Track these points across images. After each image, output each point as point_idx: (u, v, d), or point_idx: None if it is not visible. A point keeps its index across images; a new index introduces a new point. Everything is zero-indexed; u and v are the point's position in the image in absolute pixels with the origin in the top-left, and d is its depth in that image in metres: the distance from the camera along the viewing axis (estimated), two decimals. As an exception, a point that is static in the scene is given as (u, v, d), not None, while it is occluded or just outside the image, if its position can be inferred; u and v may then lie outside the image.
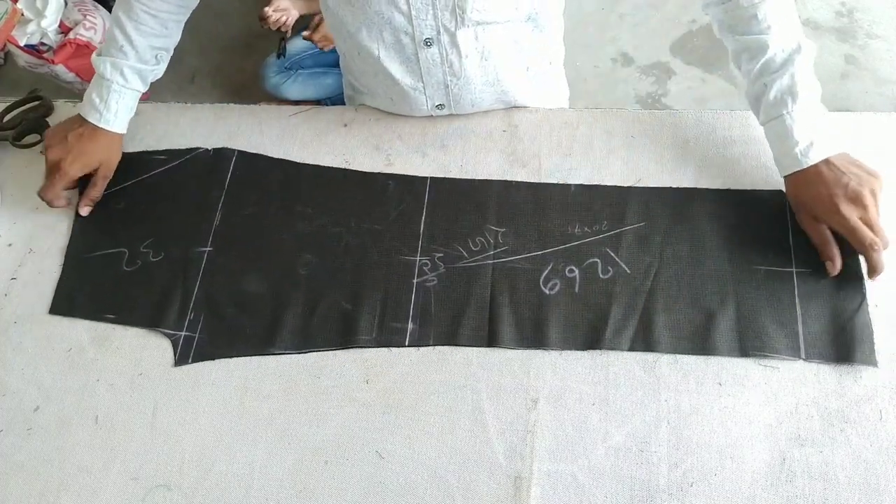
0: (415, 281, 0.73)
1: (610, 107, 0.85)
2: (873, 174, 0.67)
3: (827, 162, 0.67)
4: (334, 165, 0.83)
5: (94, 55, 0.82)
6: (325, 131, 0.86)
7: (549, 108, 0.85)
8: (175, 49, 0.87)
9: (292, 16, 1.72)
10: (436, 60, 0.77)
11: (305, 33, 1.76)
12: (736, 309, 0.68)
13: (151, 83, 0.86)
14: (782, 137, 0.69)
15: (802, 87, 0.68)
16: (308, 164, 0.83)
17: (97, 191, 0.81)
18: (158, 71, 0.85)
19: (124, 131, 0.83)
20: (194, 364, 0.71)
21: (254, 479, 0.65)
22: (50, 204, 0.80)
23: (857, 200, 0.65)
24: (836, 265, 0.67)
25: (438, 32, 0.74)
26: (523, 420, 0.65)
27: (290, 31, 1.73)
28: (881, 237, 0.65)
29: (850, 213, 0.65)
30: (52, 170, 0.80)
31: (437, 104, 0.82)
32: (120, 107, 0.81)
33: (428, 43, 0.75)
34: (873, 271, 0.66)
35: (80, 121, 0.81)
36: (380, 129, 0.86)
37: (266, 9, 1.67)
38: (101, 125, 0.81)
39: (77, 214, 0.82)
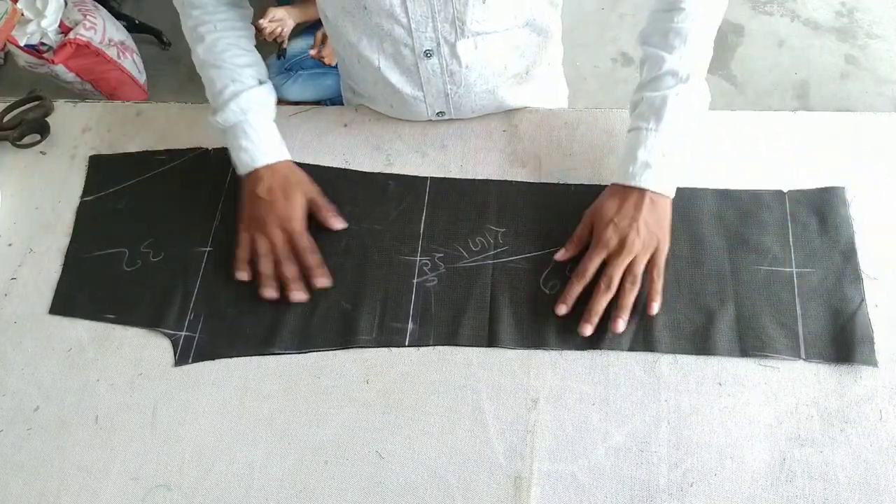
0: (415, 281, 0.73)
1: (610, 107, 0.85)
2: (659, 241, 0.67)
3: (641, 194, 0.67)
4: (334, 165, 0.83)
5: (210, 118, 0.77)
6: (325, 131, 0.86)
7: (549, 108, 0.85)
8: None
9: (288, 26, 1.71)
10: (436, 71, 0.77)
11: (312, 52, 1.77)
12: (736, 309, 0.68)
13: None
14: (628, 149, 0.69)
15: (669, 116, 0.67)
16: (308, 164, 0.83)
17: (323, 204, 0.76)
18: (273, 94, 0.80)
19: (290, 156, 0.77)
20: (194, 364, 0.71)
21: (254, 479, 0.65)
22: (313, 275, 0.72)
23: (623, 243, 0.66)
24: (562, 256, 0.71)
25: (438, 44, 0.74)
26: (523, 420, 0.65)
27: (286, 42, 1.72)
28: (603, 282, 0.66)
29: (607, 243, 0.67)
30: (292, 246, 0.73)
31: (437, 111, 0.83)
32: (273, 133, 0.76)
33: (428, 54, 0.75)
34: (561, 303, 0.68)
35: (253, 182, 0.74)
36: (380, 129, 0.86)
37: (261, 21, 1.67)
38: (269, 162, 0.74)
39: (77, 214, 0.82)
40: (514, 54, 0.79)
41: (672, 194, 0.68)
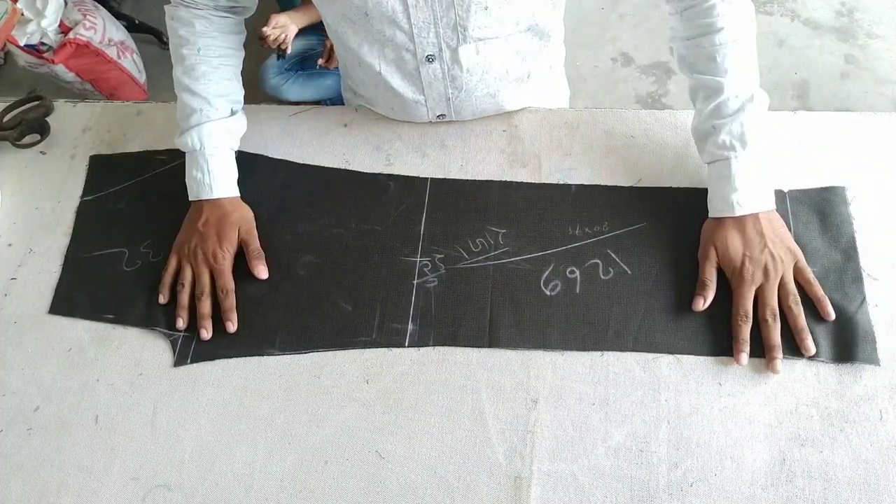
0: (415, 282, 0.73)
1: (610, 107, 0.85)
2: (793, 252, 0.68)
3: (755, 217, 0.68)
4: (334, 165, 0.83)
5: (175, 139, 0.78)
6: (325, 131, 0.86)
7: (549, 108, 0.85)
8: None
9: (291, 31, 1.71)
10: (437, 75, 0.77)
11: (321, 61, 1.77)
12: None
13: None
14: (723, 180, 0.69)
15: (751, 137, 0.68)
16: (308, 165, 0.83)
17: (254, 248, 0.75)
18: (242, 125, 0.81)
19: (236, 194, 0.78)
20: (194, 364, 0.71)
21: (254, 479, 0.65)
22: (228, 297, 0.73)
23: (766, 272, 0.66)
24: (703, 305, 0.68)
25: (440, 49, 0.74)
26: (523, 420, 0.65)
27: (289, 48, 1.72)
28: (766, 315, 0.65)
29: (753, 277, 0.66)
30: (213, 271, 0.74)
31: (438, 114, 0.83)
32: (225, 170, 0.77)
33: (430, 59, 0.75)
34: (734, 340, 0.66)
35: (195, 211, 0.77)
36: (380, 129, 0.86)
37: (264, 28, 1.67)
38: (213, 197, 0.76)
39: (77, 214, 0.82)
40: (516, 59, 0.79)
41: (774, 206, 0.69)
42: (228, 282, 0.74)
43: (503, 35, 0.74)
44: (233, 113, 0.79)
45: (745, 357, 0.65)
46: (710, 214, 0.71)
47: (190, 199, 0.77)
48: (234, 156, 0.79)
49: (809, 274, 0.67)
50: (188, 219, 0.77)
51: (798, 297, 0.66)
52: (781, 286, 0.67)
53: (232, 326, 0.72)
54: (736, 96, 0.68)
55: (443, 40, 0.73)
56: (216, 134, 0.77)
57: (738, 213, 0.68)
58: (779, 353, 0.65)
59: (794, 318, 0.66)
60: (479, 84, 0.78)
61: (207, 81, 0.77)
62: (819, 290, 0.67)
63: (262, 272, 0.75)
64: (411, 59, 0.75)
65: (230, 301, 0.73)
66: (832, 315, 0.66)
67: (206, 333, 0.72)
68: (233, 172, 0.78)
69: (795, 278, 0.67)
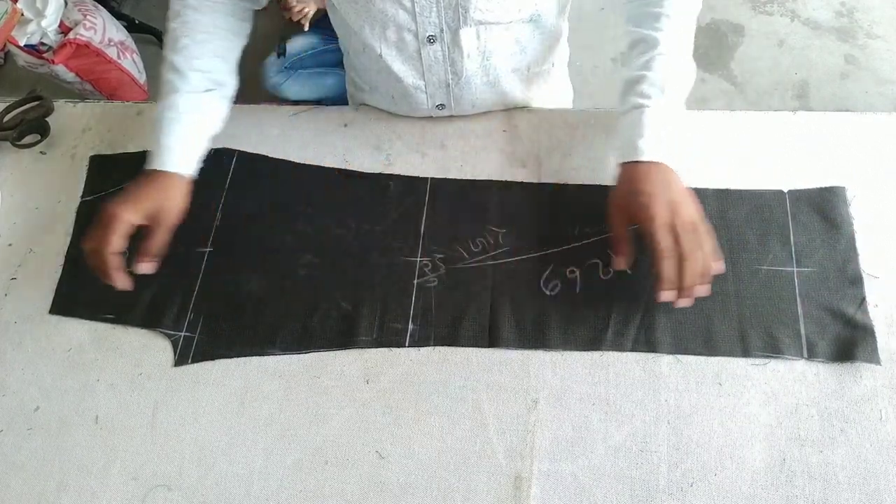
0: (415, 282, 0.73)
1: (610, 107, 0.85)
2: (692, 196, 0.65)
3: (657, 165, 0.66)
4: (334, 165, 0.83)
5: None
6: (325, 131, 0.86)
7: (548, 109, 0.85)
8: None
9: (311, 9, 1.75)
10: (438, 58, 0.77)
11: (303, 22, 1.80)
12: (737, 309, 0.68)
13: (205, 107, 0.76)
14: (634, 126, 0.67)
15: (670, 87, 0.67)
16: (308, 164, 0.83)
17: (154, 243, 0.70)
18: (217, 106, 0.77)
19: (185, 172, 0.72)
20: (194, 364, 0.71)
21: (254, 479, 0.65)
22: (103, 259, 0.68)
23: (674, 206, 0.63)
24: (626, 263, 0.67)
25: (441, 30, 0.74)
26: (523, 420, 0.65)
27: (307, 25, 1.76)
28: (694, 255, 0.62)
29: (663, 213, 0.63)
30: (105, 218, 0.68)
31: (437, 104, 0.82)
32: (174, 143, 0.72)
33: (431, 40, 0.75)
34: (658, 280, 0.63)
35: (142, 175, 0.72)
36: (380, 129, 0.85)
37: None
38: (154, 167, 0.71)
39: (78, 214, 0.82)
40: (517, 49, 0.79)
41: (675, 159, 0.67)
42: (107, 245, 0.67)
43: (504, 21, 0.74)
44: (207, 90, 0.75)
45: (670, 295, 0.63)
46: (619, 160, 0.69)
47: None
48: (196, 134, 0.74)
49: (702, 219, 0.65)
50: (136, 179, 0.72)
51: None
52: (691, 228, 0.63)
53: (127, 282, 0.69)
54: (668, 52, 0.69)
55: (444, 20, 0.73)
56: (179, 105, 0.73)
57: (644, 157, 0.66)
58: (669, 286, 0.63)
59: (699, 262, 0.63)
60: (479, 71, 0.78)
61: (187, 54, 0.74)
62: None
63: (139, 267, 0.70)
64: (412, 40, 0.75)
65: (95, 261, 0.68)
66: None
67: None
68: (186, 149, 0.73)
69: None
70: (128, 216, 0.68)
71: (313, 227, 0.78)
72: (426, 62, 0.77)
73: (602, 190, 0.77)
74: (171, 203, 0.71)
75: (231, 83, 0.79)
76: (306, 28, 1.77)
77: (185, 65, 0.74)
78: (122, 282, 0.69)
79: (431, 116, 0.85)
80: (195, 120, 0.74)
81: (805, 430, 0.63)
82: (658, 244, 0.63)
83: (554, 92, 0.93)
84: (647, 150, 0.66)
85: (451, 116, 0.85)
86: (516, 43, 0.78)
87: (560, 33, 0.84)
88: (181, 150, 0.72)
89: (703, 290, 0.63)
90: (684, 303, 0.64)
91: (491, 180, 0.79)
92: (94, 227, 0.69)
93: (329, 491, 0.64)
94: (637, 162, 0.67)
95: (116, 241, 0.68)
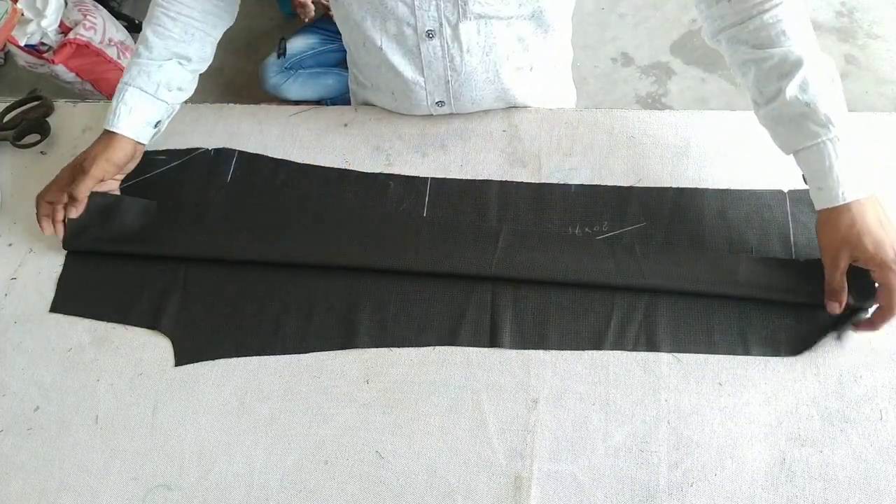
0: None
1: (610, 107, 0.85)
2: None
3: (862, 203, 0.61)
4: (334, 165, 0.83)
5: None
6: (325, 131, 0.86)
7: (548, 108, 0.85)
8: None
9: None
10: (437, 54, 0.77)
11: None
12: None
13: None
14: (823, 166, 0.62)
15: (835, 107, 0.62)
16: (308, 165, 0.83)
17: (78, 188, 0.75)
18: (177, 77, 0.80)
19: (128, 134, 0.77)
20: (194, 364, 0.71)
21: (254, 479, 0.65)
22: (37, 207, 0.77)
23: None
24: (839, 309, 0.64)
25: (441, 24, 0.74)
26: (523, 420, 0.65)
27: (312, 13, 1.83)
28: None
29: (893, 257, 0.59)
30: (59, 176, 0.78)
31: (437, 101, 0.82)
32: (120, 106, 0.77)
33: (430, 35, 0.75)
34: (872, 321, 0.63)
35: (99, 138, 0.79)
36: (380, 129, 0.85)
37: None
38: (109, 129, 0.77)
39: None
40: (518, 46, 0.79)
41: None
42: (51, 194, 0.76)
43: (504, 16, 0.74)
44: (167, 60, 0.79)
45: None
46: (818, 206, 0.64)
47: None
48: (145, 99, 0.78)
49: None
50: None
51: None
52: None
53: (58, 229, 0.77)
54: (816, 64, 0.62)
55: (443, 14, 0.73)
56: (132, 72, 0.78)
57: (839, 203, 0.61)
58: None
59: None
60: (479, 67, 0.78)
61: (157, 27, 0.78)
62: None
63: (70, 211, 0.77)
64: (412, 34, 0.75)
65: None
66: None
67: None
68: (131, 113, 0.77)
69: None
70: (64, 172, 0.77)
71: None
72: (425, 58, 0.77)
73: (602, 190, 0.77)
74: (106, 156, 0.76)
75: (199, 59, 0.82)
76: (331, 13, 1.82)
77: (153, 36, 0.78)
78: (47, 229, 0.77)
79: (431, 115, 0.85)
80: (144, 86, 0.78)
81: (805, 430, 0.63)
82: (891, 304, 0.60)
83: (556, 92, 0.93)
84: (851, 190, 0.61)
85: (452, 115, 0.85)
86: (518, 41, 0.78)
87: (563, 32, 0.84)
88: (126, 114, 0.77)
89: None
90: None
91: (491, 180, 0.79)
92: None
93: (329, 491, 0.64)
94: (837, 207, 0.62)
95: (49, 192, 0.77)
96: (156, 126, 0.80)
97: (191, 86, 0.83)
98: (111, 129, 0.77)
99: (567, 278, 0.70)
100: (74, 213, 0.77)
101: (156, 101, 0.79)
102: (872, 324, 0.63)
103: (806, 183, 0.65)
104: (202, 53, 0.82)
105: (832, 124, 0.61)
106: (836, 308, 0.64)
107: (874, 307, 0.64)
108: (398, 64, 0.79)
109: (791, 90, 0.63)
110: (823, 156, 0.62)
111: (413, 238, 0.75)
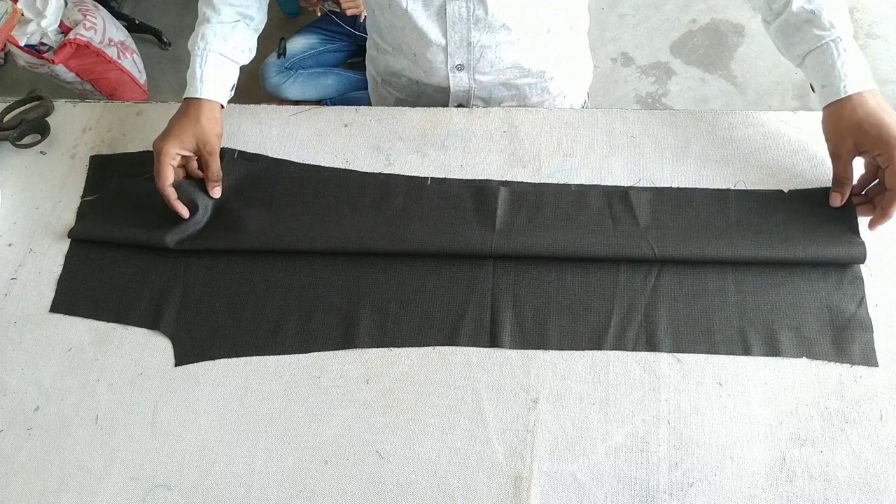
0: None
1: (610, 107, 0.85)
2: None
3: (871, 92, 0.67)
4: (334, 165, 0.83)
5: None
6: (325, 131, 0.86)
7: (549, 109, 0.86)
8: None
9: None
10: (462, 15, 0.79)
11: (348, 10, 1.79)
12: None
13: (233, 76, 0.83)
14: (831, 61, 0.68)
15: (839, 15, 0.69)
16: (308, 164, 0.83)
17: (212, 171, 0.78)
18: (248, 38, 0.83)
19: (216, 99, 0.79)
20: (194, 364, 0.71)
21: (254, 479, 0.65)
22: (163, 192, 0.75)
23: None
24: (840, 201, 0.69)
25: None
26: (523, 420, 0.65)
27: (362, 16, 1.79)
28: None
29: None
30: (156, 156, 0.76)
31: (457, 63, 0.84)
32: (205, 72, 0.78)
33: None
34: (880, 211, 0.66)
35: (182, 107, 0.80)
36: (380, 129, 0.86)
37: None
38: (187, 95, 0.79)
39: (77, 214, 0.82)
40: (535, 6, 0.80)
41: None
42: (161, 179, 0.75)
43: None
44: (236, 22, 0.82)
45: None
46: (825, 101, 0.69)
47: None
48: (226, 64, 0.81)
49: None
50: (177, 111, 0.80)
51: None
52: None
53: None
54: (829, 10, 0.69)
55: None
56: (208, 37, 0.80)
57: (852, 91, 0.66)
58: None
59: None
60: (501, 30, 0.80)
61: None
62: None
63: (212, 191, 0.79)
64: None
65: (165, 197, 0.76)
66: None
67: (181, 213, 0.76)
68: (215, 79, 0.80)
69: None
70: (170, 149, 0.75)
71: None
72: (450, 18, 0.79)
73: (602, 190, 0.77)
74: (206, 130, 0.77)
75: (259, 17, 0.86)
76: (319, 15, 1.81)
77: (222, 1, 0.80)
78: (182, 210, 0.76)
79: (448, 88, 0.87)
80: (224, 50, 0.81)
81: (805, 430, 0.63)
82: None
83: (573, 61, 0.94)
84: (853, 83, 0.67)
85: (452, 114, 0.85)
86: (539, 5, 0.80)
87: (582, 11, 0.85)
88: (212, 80, 0.79)
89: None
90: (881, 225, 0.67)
91: (491, 180, 0.79)
92: (155, 175, 0.76)
93: (329, 491, 0.64)
94: (849, 95, 0.67)
95: (168, 175, 0.75)
96: (231, 89, 0.83)
97: (255, 46, 0.86)
98: (207, 98, 0.78)
99: (572, 252, 0.71)
100: (218, 191, 0.79)
101: (234, 64, 0.82)
102: (885, 211, 0.66)
103: (814, 91, 0.72)
104: (261, 12, 0.86)
105: (834, 27, 0.68)
106: (837, 200, 0.69)
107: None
108: (423, 26, 0.81)
109: (798, 1, 0.70)
110: (826, 55, 0.68)
111: (414, 214, 0.77)
